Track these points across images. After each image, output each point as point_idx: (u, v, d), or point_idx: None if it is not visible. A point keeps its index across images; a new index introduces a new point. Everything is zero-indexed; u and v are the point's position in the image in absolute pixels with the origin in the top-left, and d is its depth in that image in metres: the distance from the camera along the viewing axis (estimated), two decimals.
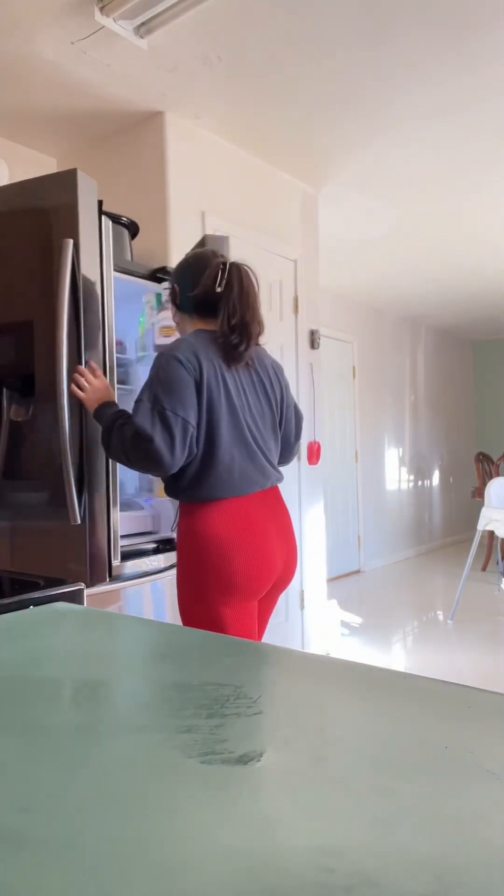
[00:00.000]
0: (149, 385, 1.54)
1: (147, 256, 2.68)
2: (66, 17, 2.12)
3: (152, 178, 2.76)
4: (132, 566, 2.10)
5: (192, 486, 1.58)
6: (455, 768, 0.44)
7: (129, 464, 1.57)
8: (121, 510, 2.28)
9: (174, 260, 2.67)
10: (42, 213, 1.89)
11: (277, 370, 1.76)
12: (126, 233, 2.45)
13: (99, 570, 1.87)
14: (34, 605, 0.98)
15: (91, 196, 1.88)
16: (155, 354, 1.85)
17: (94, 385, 1.73)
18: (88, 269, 1.87)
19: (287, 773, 0.44)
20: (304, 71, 2.43)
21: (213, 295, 1.61)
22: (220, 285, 1.61)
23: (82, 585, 1.10)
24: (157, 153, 2.75)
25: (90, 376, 1.74)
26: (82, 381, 1.73)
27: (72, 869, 0.34)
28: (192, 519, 1.58)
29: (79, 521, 1.78)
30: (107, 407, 1.68)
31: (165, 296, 2.32)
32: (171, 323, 2.11)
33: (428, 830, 0.36)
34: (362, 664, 0.67)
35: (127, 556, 2.11)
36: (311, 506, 3.39)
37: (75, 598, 1.06)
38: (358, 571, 5.80)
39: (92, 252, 1.89)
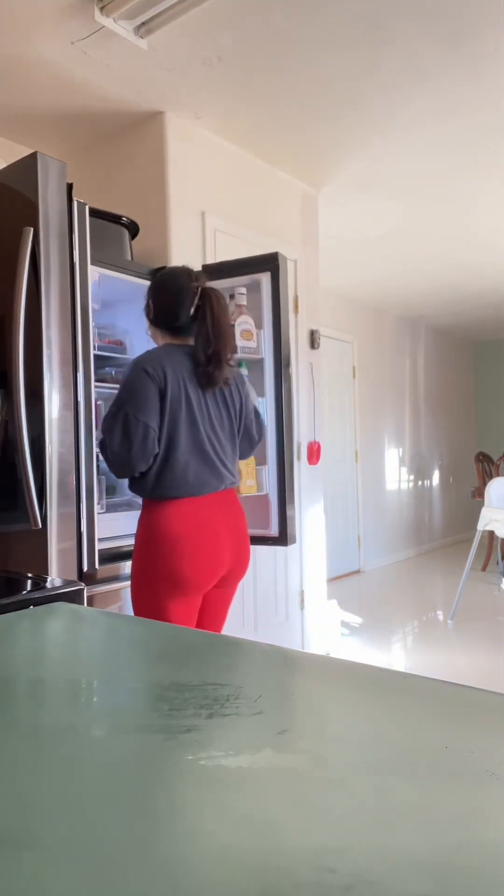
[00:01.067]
0: (118, 393, 1.71)
1: (147, 256, 2.68)
2: (66, 17, 2.12)
3: (152, 178, 2.76)
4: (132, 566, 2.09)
5: (152, 485, 1.72)
6: (455, 768, 0.44)
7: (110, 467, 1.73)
8: (120, 511, 2.28)
9: (174, 260, 2.67)
10: (9, 202, 1.79)
11: (238, 381, 1.90)
12: (126, 232, 2.45)
13: (66, 575, 1.78)
14: (34, 605, 0.98)
15: (56, 180, 1.77)
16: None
17: None
18: (55, 260, 1.76)
19: (287, 773, 0.44)
20: (304, 71, 2.43)
21: (187, 320, 1.78)
22: (192, 312, 1.77)
23: (82, 585, 1.10)
24: (157, 153, 2.75)
25: None
26: None
27: (72, 869, 0.34)
28: (149, 516, 1.72)
29: (39, 525, 1.70)
30: None
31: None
32: (251, 327, 2.36)
33: (428, 830, 0.36)
34: (362, 664, 0.67)
35: (127, 556, 2.10)
36: (311, 506, 3.39)
37: (75, 598, 1.06)
38: (358, 571, 5.80)
39: (59, 240, 1.77)
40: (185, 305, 1.76)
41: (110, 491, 2.34)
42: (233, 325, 2.02)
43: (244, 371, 2.47)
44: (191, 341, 1.80)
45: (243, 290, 2.42)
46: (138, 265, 2.38)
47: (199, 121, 2.80)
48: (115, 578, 2.07)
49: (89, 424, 1.90)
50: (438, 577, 5.76)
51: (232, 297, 2.41)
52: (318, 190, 3.49)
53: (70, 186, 1.83)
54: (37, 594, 1.02)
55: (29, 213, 1.74)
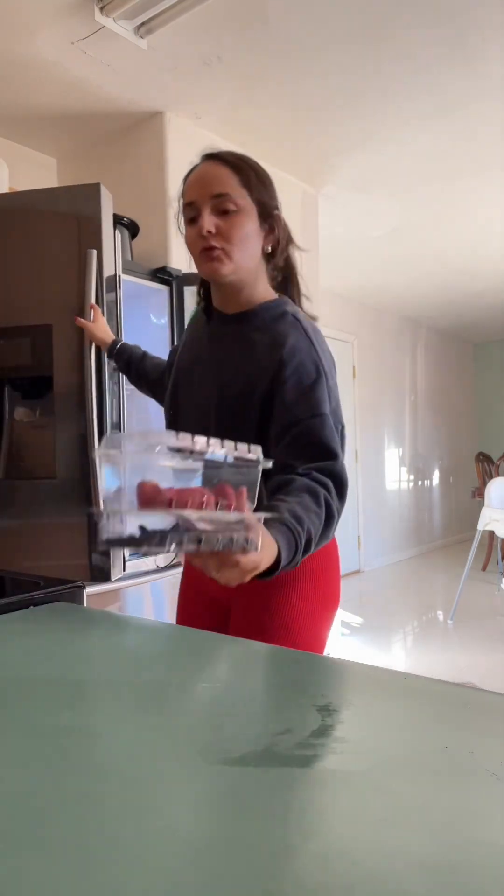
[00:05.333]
0: (322, 394, 1.00)
1: (147, 256, 2.68)
2: (66, 17, 2.12)
3: (152, 178, 2.76)
4: (132, 566, 2.10)
5: None
6: (455, 768, 0.44)
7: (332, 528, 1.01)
8: None
9: (174, 260, 2.67)
10: (65, 221, 1.95)
11: None
12: (126, 233, 2.45)
13: (107, 568, 1.91)
14: (34, 605, 0.98)
15: (110, 209, 2.01)
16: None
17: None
18: (108, 278, 1.96)
19: (287, 773, 0.44)
20: (304, 71, 2.43)
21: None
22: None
23: (82, 585, 1.10)
24: (157, 153, 2.75)
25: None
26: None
27: (72, 869, 0.34)
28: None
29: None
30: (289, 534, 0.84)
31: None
32: None
33: (428, 830, 0.36)
34: (362, 664, 0.67)
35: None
36: None
37: (75, 598, 1.06)
38: (358, 571, 5.80)
39: (109, 261, 1.98)
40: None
41: None
42: None
43: None
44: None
45: None
46: (139, 265, 2.38)
47: (199, 121, 2.79)
48: (117, 578, 2.08)
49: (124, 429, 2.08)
50: (438, 577, 5.76)
51: None
52: (318, 190, 3.49)
53: (117, 217, 2.07)
54: (37, 594, 1.02)
55: (90, 235, 1.94)
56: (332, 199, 3.59)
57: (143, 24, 2.14)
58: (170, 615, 2.23)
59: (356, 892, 0.31)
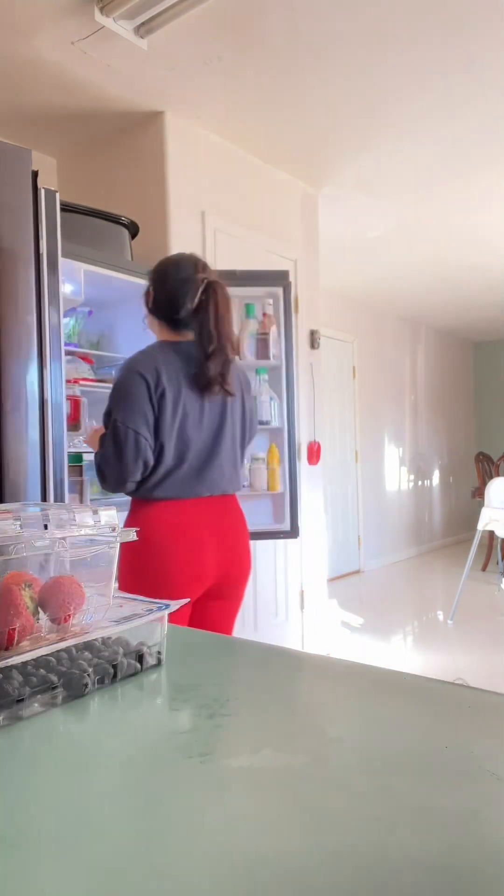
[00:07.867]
0: (109, 399, 1.61)
1: (147, 256, 2.68)
2: (66, 18, 2.12)
3: (152, 178, 2.76)
4: None
5: (136, 484, 1.64)
6: (455, 768, 0.44)
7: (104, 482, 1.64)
8: (119, 509, 2.29)
9: None
10: None
11: (244, 385, 1.78)
12: (126, 232, 2.45)
13: None
14: None
15: (17, 168, 1.69)
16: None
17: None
18: (18, 250, 1.70)
19: (287, 773, 0.44)
20: (304, 71, 2.43)
21: (188, 314, 1.65)
22: (195, 305, 1.64)
23: None
24: (157, 153, 2.75)
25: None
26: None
27: (72, 869, 0.34)
28: (135, 517, 1.67)
29: None
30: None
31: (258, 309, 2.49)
32: (276, 337, 2.38)
33: (428, 830, 0.36)
34: (362, 664, 0.67)
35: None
36: (311, 506, 3.39)
37: None
38: (358, 571, 5.80)
39: (21, 231, 1.71)
40: (188, 297, 1.63)
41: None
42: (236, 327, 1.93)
43: (265, 377, 2.53)
44: (190, 336, 1.66)
45: (271, 300, 2.50)
46: (138, 265, 2.38)
47: (199, 121, 2.80)
48: None
49: (59, 421, 1.82)
50: (438, 577, 5.76)
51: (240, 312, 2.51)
52: (318, 190, 3.49)
53: (35, 174, 1.75)
54: None
55: None
56: (332, 199, 3.59)
57: (143, 24, 2.14)
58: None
59: (356, 892, 0.31)
